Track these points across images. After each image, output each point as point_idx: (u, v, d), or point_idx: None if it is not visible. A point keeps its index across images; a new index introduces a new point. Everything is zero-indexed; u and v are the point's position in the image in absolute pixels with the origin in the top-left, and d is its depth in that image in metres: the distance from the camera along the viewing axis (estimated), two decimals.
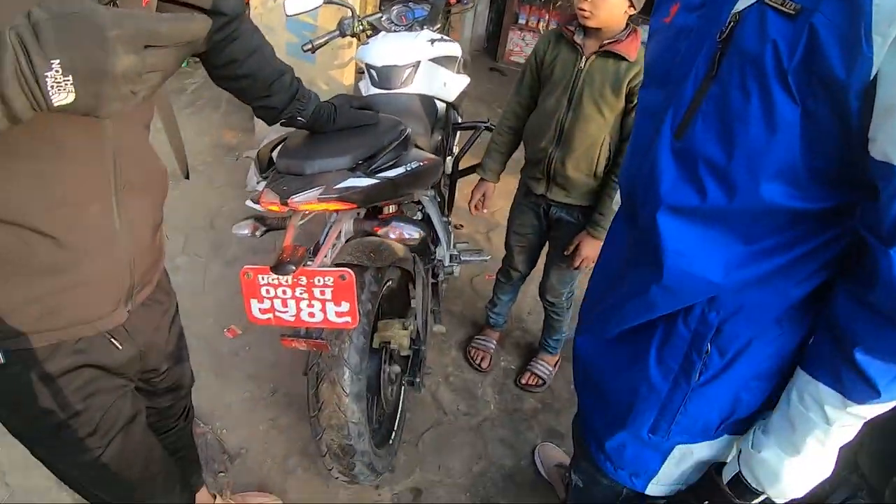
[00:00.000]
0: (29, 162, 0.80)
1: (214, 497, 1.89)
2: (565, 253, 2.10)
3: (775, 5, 0.66)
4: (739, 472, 0.91)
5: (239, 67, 1.21)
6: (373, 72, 2.22)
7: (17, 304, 0.89)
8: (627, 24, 1.76)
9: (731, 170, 0.73)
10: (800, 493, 0.86)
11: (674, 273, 0.82)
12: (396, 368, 1.96)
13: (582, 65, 1.77)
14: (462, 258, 2.16)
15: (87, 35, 0.59)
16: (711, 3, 0.76)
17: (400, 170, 1.45)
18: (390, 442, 2.08)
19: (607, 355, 1.06)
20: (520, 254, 2.33)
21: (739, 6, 0.71)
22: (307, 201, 1.26)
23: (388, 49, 2.20)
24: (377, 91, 2.20)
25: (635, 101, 1.73)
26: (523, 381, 2.60)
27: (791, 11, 0.65)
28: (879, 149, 0.64)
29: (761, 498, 0.90)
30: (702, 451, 1.02)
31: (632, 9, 1.72)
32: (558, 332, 2.53)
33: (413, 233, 1.47)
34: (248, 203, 1.45)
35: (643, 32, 1.59)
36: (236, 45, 1.18)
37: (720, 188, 0.75)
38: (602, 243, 1.86)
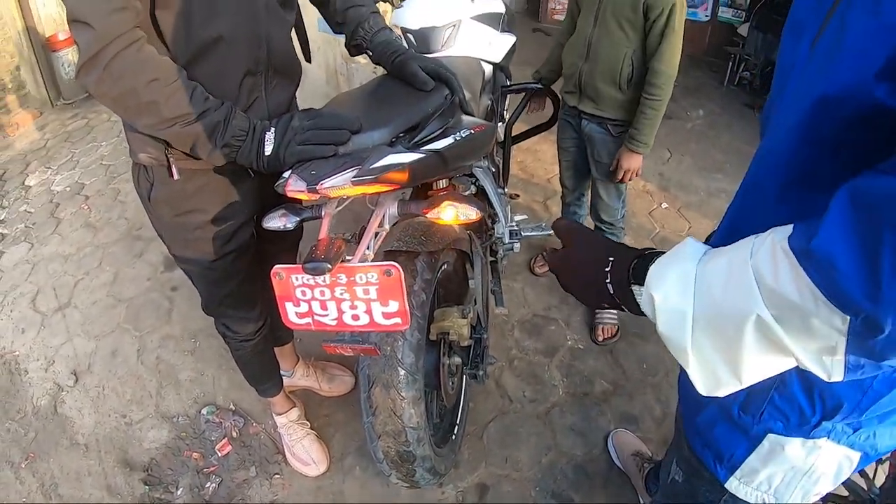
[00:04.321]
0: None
1: (298, 358, 2.27)
2: (610, 169, 2.27)
3: None
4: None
5: None
6: (410, 36, 2.03)
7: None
8: None
9: None
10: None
11: None
12: (457, 360, 1.78)
13: None
14: (523, 234, 1.94)
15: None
16: None
17: (448, 140, 1.26)
18: (453, 437, 1.93)
19: None
20: (567, 169, 2.57)
21: None
22: (339, 186, 1.07)
23: (425, 9, 2.01)
24: None
25: (652, 18, 1.94)
26: (600, 339, 2.54)
27: None
28: None
29: (639, 294, 0.70)
30: (795, 450, 0.87)
31: None
32: None
33: (470, 213, 1.26)
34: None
35: None
36: None
37: None
38: (640, 156, 2.15)
